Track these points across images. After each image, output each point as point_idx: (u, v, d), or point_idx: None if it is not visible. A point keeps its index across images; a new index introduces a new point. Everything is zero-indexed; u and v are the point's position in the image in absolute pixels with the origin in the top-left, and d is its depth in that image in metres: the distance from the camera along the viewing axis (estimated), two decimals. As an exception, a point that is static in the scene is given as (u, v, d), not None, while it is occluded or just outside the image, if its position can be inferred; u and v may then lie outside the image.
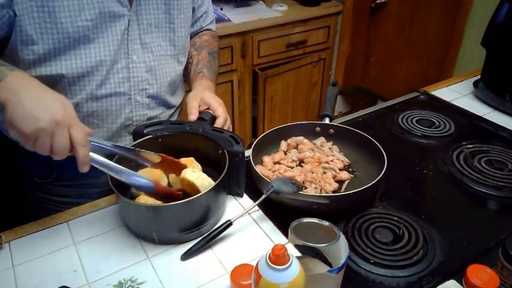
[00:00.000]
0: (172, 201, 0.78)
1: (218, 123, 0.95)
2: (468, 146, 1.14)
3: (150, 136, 0.91)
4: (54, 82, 0.88)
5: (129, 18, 0.90)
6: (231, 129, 0.97)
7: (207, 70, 1.08)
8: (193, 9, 1.11)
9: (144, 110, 1.00)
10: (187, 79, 1.12)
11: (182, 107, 1.15)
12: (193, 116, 0.94)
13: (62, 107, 0.68)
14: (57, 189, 1.04)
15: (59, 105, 0.68)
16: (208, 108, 0.97)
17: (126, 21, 0.90)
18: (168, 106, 1.07)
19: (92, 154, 0.72)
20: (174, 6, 0.97)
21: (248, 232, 0.86)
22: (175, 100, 1.10)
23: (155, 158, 0.84)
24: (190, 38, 1.12)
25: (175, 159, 0.86)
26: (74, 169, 0.71)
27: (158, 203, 0.81)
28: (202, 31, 1.19)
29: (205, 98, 0.97)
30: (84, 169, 0.70)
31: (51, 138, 0.66)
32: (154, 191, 0.81)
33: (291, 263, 0.57)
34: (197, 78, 1.06)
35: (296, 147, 1.08)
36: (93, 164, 0.73)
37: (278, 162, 1.02)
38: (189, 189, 0.84)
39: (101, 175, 0.83)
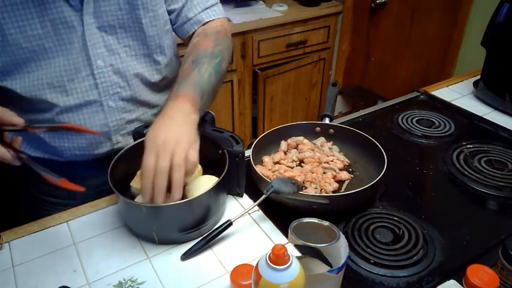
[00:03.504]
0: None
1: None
2: (468, 146, 1.14)
3: (150, 136, 0.91)
4: (15, 97, 0.85)
5: (85, 22, 0.85)
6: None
7: (178, 85, 0.88)
8: (173, 9, 0.99)
9: (120, 114, 0.96)
10: None
11: None
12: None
13: None
14: (53, 190, 1.03)
15: None
16: None
17: (81, 25, 0.85)
18: (150, 106, 1.03)
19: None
20: (139, 5, 0.91)
21: (248, 232, 0.86)
22: (159, 99, 1.04)
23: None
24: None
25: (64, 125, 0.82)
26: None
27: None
28: (195, 31, 1.01)
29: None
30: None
31: None
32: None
33: (291, 263, 0.57)
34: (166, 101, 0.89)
35: (296, 147, 1.08)
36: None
37: (278, 162, 1.02)
38: None
39: (101, 176, 0.83)
